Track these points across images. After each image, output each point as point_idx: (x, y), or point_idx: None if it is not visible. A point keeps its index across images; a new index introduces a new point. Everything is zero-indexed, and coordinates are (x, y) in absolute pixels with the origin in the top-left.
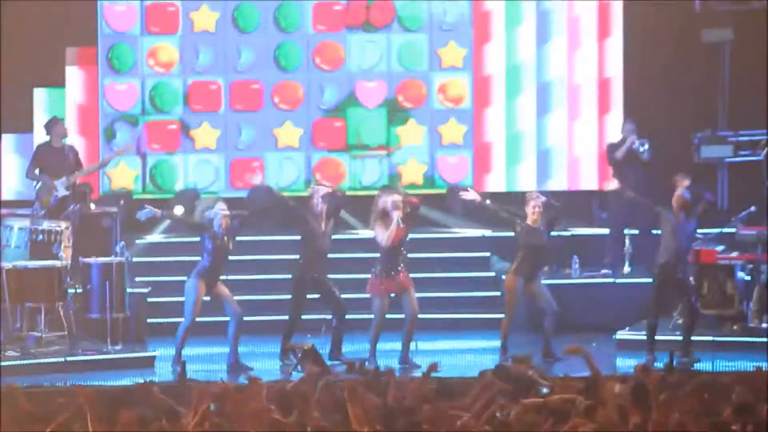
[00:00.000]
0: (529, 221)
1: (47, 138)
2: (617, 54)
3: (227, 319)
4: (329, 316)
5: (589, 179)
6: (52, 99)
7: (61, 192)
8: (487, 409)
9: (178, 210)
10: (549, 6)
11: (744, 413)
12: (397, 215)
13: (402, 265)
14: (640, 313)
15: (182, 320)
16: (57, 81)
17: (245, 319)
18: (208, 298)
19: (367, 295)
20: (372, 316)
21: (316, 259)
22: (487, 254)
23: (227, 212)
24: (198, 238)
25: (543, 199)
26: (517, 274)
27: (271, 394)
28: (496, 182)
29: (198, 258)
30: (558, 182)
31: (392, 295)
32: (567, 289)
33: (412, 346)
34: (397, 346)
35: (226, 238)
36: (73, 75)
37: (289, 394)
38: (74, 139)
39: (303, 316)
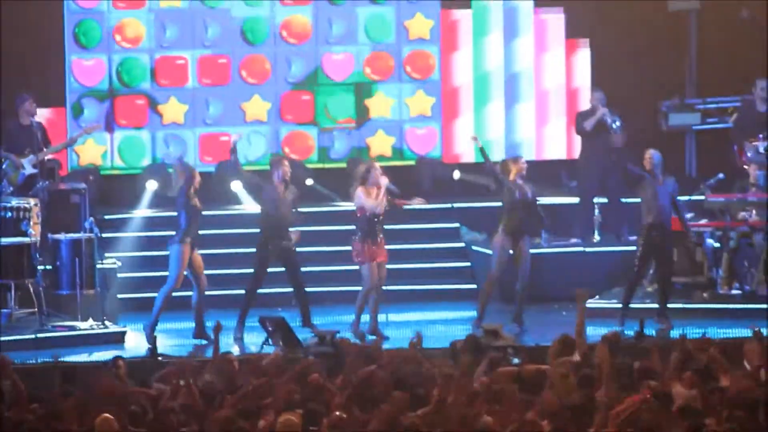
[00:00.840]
0: (513, 178)
1: (15, 115)
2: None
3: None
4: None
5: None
6: None
7: (29, 170)
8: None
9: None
10: None
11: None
12: (385, 182)
13: (381, 234)
14: (609, 282)
15: (162, 287)
16: None
17: (211, 293)
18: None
19: (334, 267)
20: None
21: (275, 228)
22: (456, 225)
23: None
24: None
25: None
26: (505, 232)
27: (245, 368)
28: (463, 126)
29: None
30: (526, 108)
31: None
32: (536, 258)
33: (382, 317)
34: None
35: (196, 198)
36: None
37: (263, 368)
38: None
39: (275, 289)
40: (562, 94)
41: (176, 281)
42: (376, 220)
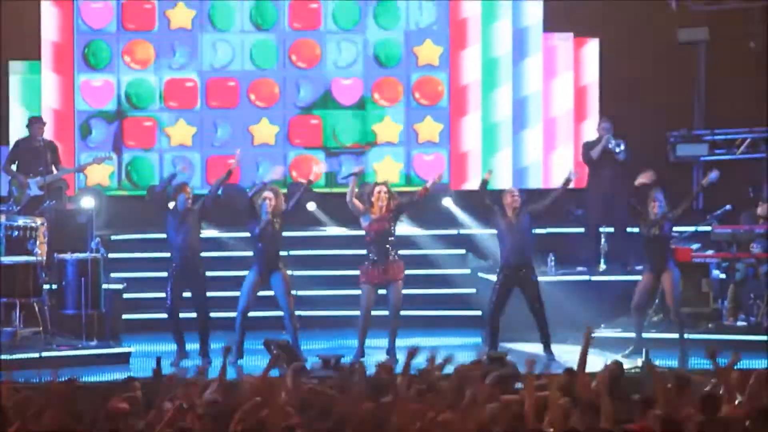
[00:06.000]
0: (651, 216)
1: (26, 134)
2: (593, 53)
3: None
4: (305, 313)
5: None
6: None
7: (34, 191)
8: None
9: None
10: (525, 5)
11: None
12: (377, 203)
13: (392, 256)
14: (615, 311)
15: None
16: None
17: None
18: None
19: (336, 292)
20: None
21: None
22: (463, 251)
23: (271, 196)
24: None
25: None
26: (646, 269)
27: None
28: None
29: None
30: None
31: (380, 291)
32: (542, 286)
33: (383, 343)
34: (382, 342)
35: (272, 221)
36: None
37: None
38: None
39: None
40: (570, 121)
41: (241, 302)
42: (375, 242)
